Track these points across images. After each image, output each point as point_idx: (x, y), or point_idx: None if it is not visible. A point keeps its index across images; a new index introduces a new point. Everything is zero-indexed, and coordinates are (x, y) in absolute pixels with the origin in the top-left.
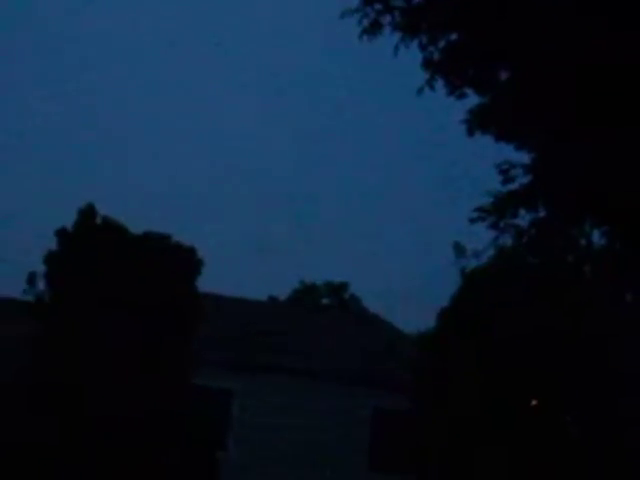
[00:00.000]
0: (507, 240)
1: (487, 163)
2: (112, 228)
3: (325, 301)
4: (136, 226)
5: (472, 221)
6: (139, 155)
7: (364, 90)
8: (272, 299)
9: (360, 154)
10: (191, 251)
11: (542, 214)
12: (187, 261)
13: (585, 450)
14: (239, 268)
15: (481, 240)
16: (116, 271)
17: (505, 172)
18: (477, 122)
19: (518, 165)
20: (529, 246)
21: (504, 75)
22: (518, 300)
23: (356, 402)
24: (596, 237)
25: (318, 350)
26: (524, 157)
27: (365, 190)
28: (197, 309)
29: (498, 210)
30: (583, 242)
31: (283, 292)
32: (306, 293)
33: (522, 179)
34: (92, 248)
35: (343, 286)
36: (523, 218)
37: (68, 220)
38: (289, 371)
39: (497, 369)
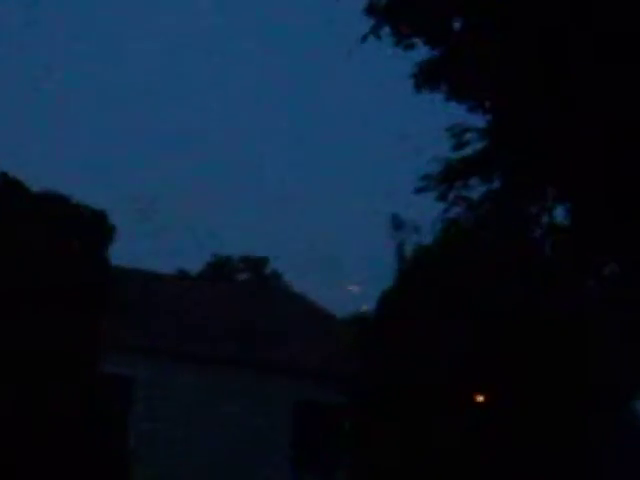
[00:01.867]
0: (458, 213)
1: (437, 125)
2: (11, 186)
3: (242, 277)
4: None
5: (418, 191)
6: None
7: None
8: (182, 273)
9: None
10: (101, 215)
11: (497, 185)
12: (96, 227)
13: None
14: (142, 238)
15: (423, 213)
16: (11, 236)
17: (457, 136)
18: (426, 77)
19: (472, 129)
20: (482, 221)
21: (458, 24)
22: (471, 281)
23: (276, 394)
24: (559, 214)
25: (236, 335)
26: (479, 120)
27: (294, 150)
28: (107, 285)
29: (447, 179)
30: (544, 219)
31: (194, 266)
32: (220, 267)
33: (476, 145)
34: None
35: (262, 261)
36: (476, 189)
37: None
38: (198, 358)
39: (448, 359)
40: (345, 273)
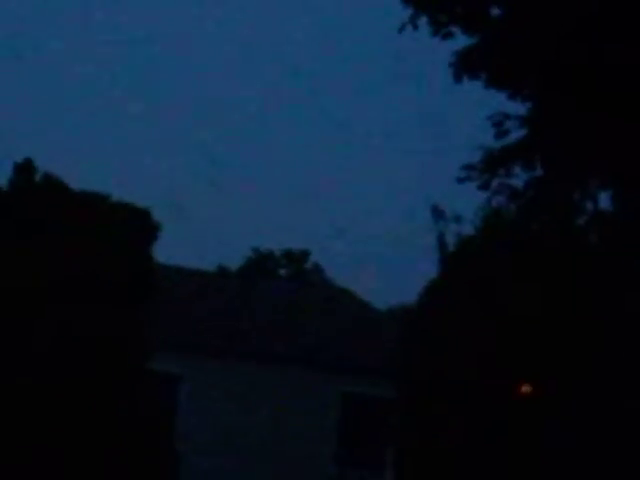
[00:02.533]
0: (500, 202)
1: (477, 115)
2: (54, 186)
3: (282, 272)
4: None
5: (460, 180)
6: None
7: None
8: (222, 269)
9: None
10: (145, 214)
11: (539, 173)
12: (141, 225)
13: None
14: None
15: (464, 203)
16: (58, 236)
17: (498, 124)
18: (465, 66)
19: (513, 117)
20: (526, 210)
21: (496, 12)
22: (515, 272)
23: (324, 388)
24: (603, 200)
25: (277, 330)
26: (520, 108)
27: (330, 142)
28: (152, 283)
29: (490, 168)
30: (588, 206)
31: (234, 261)
32: (261, 262)
33: (517, 133)
34: (29, 208)
35: (303, 255)
36: (518, 177)
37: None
38: (243, 354)
39: (493, 351)
40: (386, 265)
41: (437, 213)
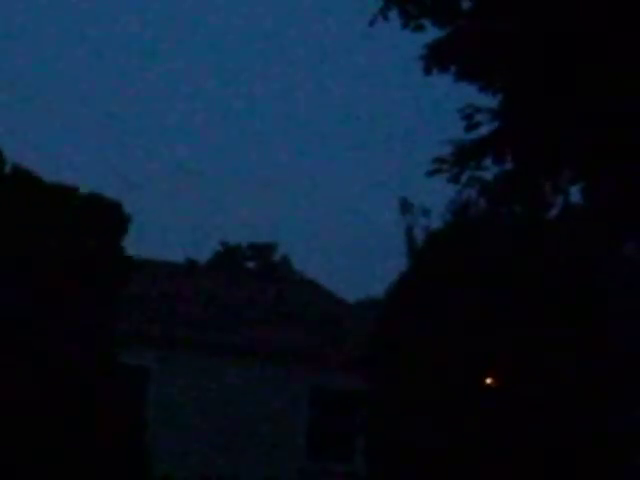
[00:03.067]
0: (471, 195)
1: (445, 109)
2: (22, 177)
3: (250, 265)
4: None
5: (430, 174)
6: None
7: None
8: (190, 262)
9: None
10: (116, 206)
11: (510, 166)
12: (111, 216)
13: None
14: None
15: (432, 197)
16: (25, 228)
17: (469, 117)
18: (435, 57)
19: (484, 109)
20: (496, 202)
21: (467, 4)
22: (490, 262)
23: (291, 381)
24: (574, 195)
25: (244, 322)
26: (491, 101)
27: (296, 131)
28: (121, 273)
29: (460, 161)
30: (559, 200)
31: (202, 255)
32: (228, 255)
33: (488, 126)
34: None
35: (270, 247)
36: (489, 170)
37: None
38: (211, 346)
39: (462, 344)
40: (354, 257)
41: (405, 206)
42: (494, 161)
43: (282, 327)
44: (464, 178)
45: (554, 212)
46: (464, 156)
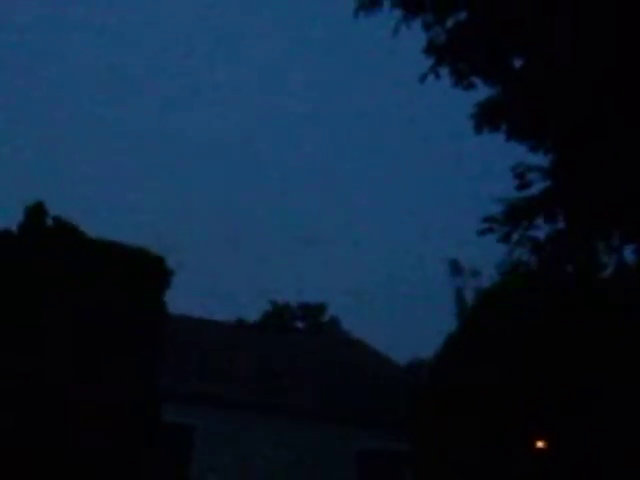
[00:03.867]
0: (522, 255)
1: (488, 168)
2: (65, 230)
3: (299, 324)
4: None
5: (481, 233)
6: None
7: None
8: (240, 322)
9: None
10: (159, 260)
11: (562, 225)
12: (154, 271)
13: None
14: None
15: (476, 258)
16: (68, 282)
17: (520, 176)
18: (486, 117)
19: (535, 168)
20: (547, 262)
21: (518, 62)
22: (540, 325)
23: (341, 444)
24: (628, 254)
25: (296, 383)
26: (542, 160)
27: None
28: (164, 331)
29: (511, 219)
30: (612, 259)
31: (252, 314)
32: (278, 315)
33: (540, 185)
34: (40, 253)
35: (320, 308)
36: (540, 229)
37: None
38: (262, 408)
39: (510, 405)
40: (405, 319)
41: (455, 268)
42: (546, 220)
43: (333, 389)
44: (515, 237)
45: (607, 272)
46: (515, 215)
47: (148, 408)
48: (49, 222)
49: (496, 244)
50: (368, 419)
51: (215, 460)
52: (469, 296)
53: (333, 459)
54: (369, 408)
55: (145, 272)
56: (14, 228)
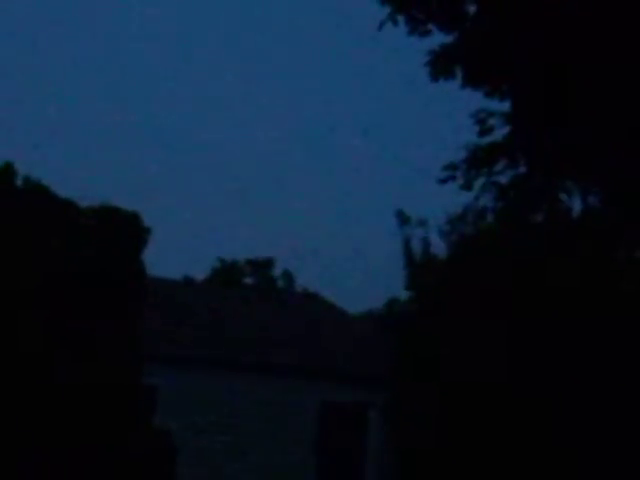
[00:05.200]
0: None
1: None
2: (35, 191)
3: (248, 280)
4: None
5: (443, 181)
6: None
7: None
8: (188, 280)
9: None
10: (133, 217)
11: (523, 170)
12: (129, 229)
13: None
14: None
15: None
16: (39, 243)
17: (482, 122)
18: (441, 64)
19: (497, 113)
20: (513, 208)
21: (472, 9)
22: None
23: (297, 397)
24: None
25: (249, 338)
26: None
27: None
28: (142, 289)
29: (473, 166)
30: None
31: (199, 272)
32: (226, 272)
33: (501, 130)
34: (9, 215)
35: (268, 263)
36: (504, 175)
37: None
38: (217, 364)
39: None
40: (350, 270)
41: (402, 218)
42: (507, 165)
43: (288, 344)
44: (477, 184)
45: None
46: (477, 161)
47: (131, 371)
48: (18, 183)
49: (440, 195)
50: (332, 371)
51: (173, 420)
52: (417, 247)
53: (295, 411)
54: (332, 360)
55: (120, 230)
56: None
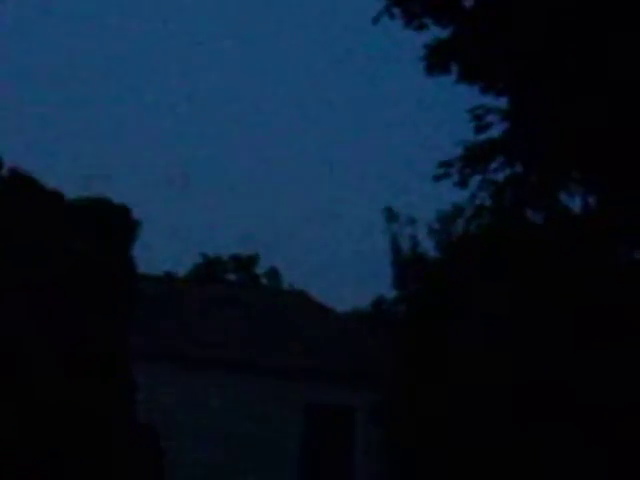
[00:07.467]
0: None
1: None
2: (22, 182)
3: (232, 277)
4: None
5: (437, 179)
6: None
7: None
8: (169, 276)
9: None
10: (124, 211)
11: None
12: (119, 223)
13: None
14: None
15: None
16: (25, 236)
17: (479, 118)
18: (436, 58)
19: (495, 110)
20: (508, 207)
21: (469, 3)
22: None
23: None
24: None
25: (235, 337)
26: (495, 101)
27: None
28: (134, 287)
29: (469, 163)
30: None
31: (181, 268)
32: (209, 268)
33: (499, 127)
34: None
35: (252, 259)
36: (500, 173)
37: None
38: (199, 362)
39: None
40: (339, 267)
41: (390, 215)
42: (504, 163)
43: (274, 342)
44: (473, 182)
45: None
46: (473, 158)
47: (118, 364)
48: (4, 173)
49: (431, 194)
50: (318, 372)
51: (151, 418)
52: (405, 245)
53: (281, 412)
54: (318, 361)
55: (109, 224)
56: None
